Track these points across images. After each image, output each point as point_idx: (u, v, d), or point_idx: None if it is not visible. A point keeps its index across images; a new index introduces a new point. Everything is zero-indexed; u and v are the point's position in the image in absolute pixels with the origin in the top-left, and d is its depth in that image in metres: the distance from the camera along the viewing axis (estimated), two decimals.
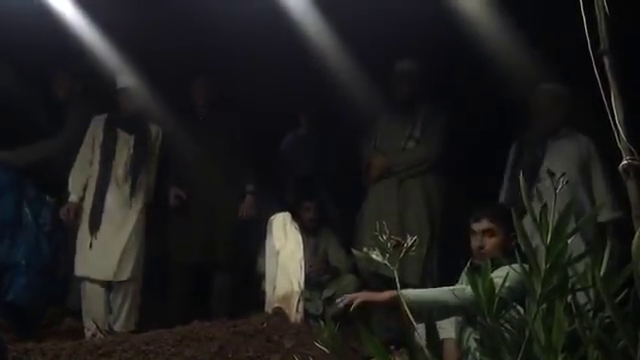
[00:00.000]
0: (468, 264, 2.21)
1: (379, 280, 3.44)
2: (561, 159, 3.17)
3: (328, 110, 4.32)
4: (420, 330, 1.28)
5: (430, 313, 1.82)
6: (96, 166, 3.70)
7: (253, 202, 3.97)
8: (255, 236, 3.88)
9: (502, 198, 3.38)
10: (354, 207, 3.91)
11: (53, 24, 3.73)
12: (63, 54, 3.94)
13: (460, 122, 3.77)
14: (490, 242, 2.25)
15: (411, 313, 1.59)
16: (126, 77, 3.76)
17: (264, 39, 3.83)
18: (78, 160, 3.72)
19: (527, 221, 1.19)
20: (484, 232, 2.28)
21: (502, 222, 2.24)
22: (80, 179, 3.70)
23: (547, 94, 3.31)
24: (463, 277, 2.44)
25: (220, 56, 4.08)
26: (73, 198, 3.67)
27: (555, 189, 1.09)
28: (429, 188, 3.70)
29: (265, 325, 3.01)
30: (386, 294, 1.86)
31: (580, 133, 3.25)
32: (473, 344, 1.18)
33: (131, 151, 3.72)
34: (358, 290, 3.79)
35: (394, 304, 1.30)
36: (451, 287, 1.99)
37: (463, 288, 1.90)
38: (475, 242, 2.29)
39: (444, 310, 1.92)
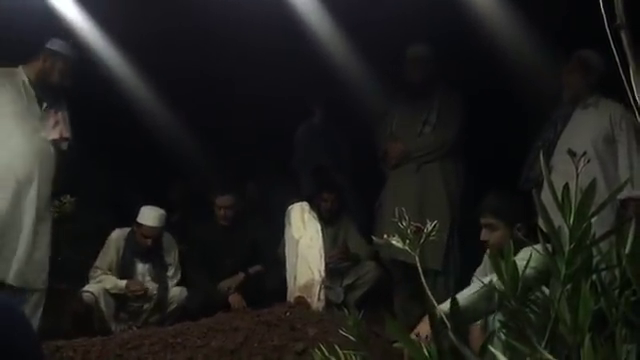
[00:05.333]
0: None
1: (400, 266, 3.45)
2: (583, 132, 3.01)
3: (342, 98, 4.31)
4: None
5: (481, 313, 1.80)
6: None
7: None
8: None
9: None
10: (373, 194, 3.92)
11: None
12: None
13: (476, 105, 3.74)
14: (493, 236, 2.22)
15: (467, 318, 1.50)
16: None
17: (274, 29, 3.82)
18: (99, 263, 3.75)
19: (544, 197, 1.17)
20: (486, 226, 2.25)
21: (504, 216, 2.20)
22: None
23: (573, 60, 3.12)
24: (486, 260, 2.43)
25: (233, 49, 4.09)
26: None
27: (577, 168, 1.07)
28: (447, 172, 3.68)
29: (288, 314, 3.04)
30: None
31: (612, 100, 3.00)
32: (498, 325, 1.18)
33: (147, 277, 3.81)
34: (379, 277, 3.82)
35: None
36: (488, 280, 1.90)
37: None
38: (482, 235, 2.27)
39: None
